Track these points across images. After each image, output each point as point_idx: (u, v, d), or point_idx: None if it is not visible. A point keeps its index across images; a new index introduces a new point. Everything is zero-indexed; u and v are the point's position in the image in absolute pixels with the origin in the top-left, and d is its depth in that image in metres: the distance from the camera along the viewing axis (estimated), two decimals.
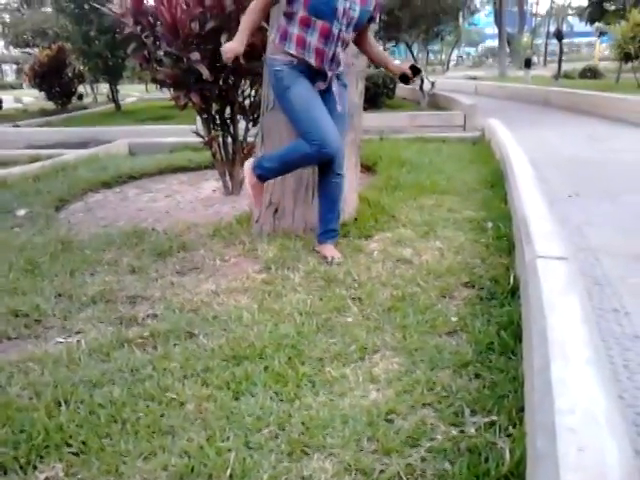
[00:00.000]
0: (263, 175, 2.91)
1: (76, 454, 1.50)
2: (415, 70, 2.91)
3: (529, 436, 1.42)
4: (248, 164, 2.99)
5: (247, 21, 2.74)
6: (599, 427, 1.23)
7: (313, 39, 2.67)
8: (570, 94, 12.32)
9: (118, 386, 1.80)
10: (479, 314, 2.22)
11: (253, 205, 3.13)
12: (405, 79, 2.96)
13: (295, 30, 2.69)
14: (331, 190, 2.90)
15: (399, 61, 3.46)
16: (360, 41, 2.97)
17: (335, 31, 2.67)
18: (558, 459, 1.12)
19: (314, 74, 2.76)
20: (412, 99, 14.10)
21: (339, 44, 2.73)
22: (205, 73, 4.07)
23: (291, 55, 2.72)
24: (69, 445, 1.53)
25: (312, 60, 2.69)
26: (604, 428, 1.23)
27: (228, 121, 4.53)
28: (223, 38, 3.88)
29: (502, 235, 3.10)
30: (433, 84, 13.03)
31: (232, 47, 2.68)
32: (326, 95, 2.81)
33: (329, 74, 2.76)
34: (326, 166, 2.82)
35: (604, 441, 1.19)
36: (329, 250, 2.88)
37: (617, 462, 1.13)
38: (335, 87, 2.83)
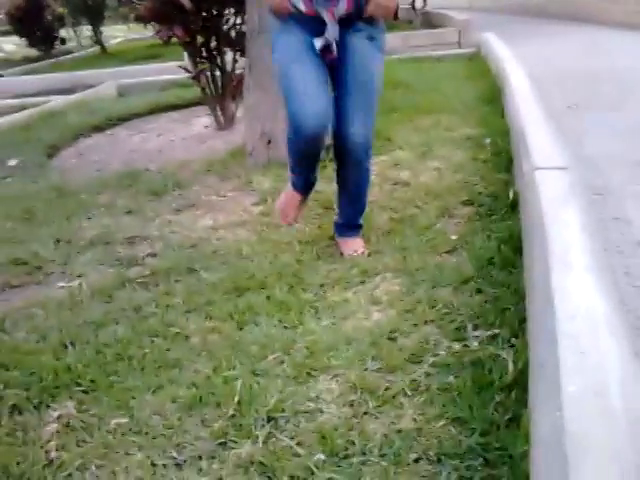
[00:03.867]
0: (292, 182, 2.20)
1: (86, 392, 1.54)
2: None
3: (531, 346, 1.43)
4: None
5: None
6: (599, 331, 1.23)
7: None
8: (567, 1, 11.84)
9: (122, 325, 1.82)
10: (479, 231, 2.21)
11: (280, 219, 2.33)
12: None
13: None
14: (351, 183, 2.18)
15: None
16: None
17: None
18: (559, 364, 1.13)
19: (317, 24, 1.95)
20: (404, 19, 13.60)
21: None
22: (186, 4, 3.92)
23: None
24: (78, 384, 1.56)
25: (300, 4, 1.94)
26: (604, 332, 1.23)
27: (215, 53, 4.38)
28: None
29: (501, 151, 3.05)
30: (425, 1, 12.55)
31: None
32: (341, 54, 2.00)
33: (327, 17, 1.92)
34: (340, 152, 2.10)
35: (604, 344, 1.19)
36: (350, 244, 2.19)
37: (617, 364, 1.14)
38: (353, 40, 1.98)
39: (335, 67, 2.01)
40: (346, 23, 1.97)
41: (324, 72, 1.99)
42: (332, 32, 1.95)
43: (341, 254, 2.16)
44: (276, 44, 2.05)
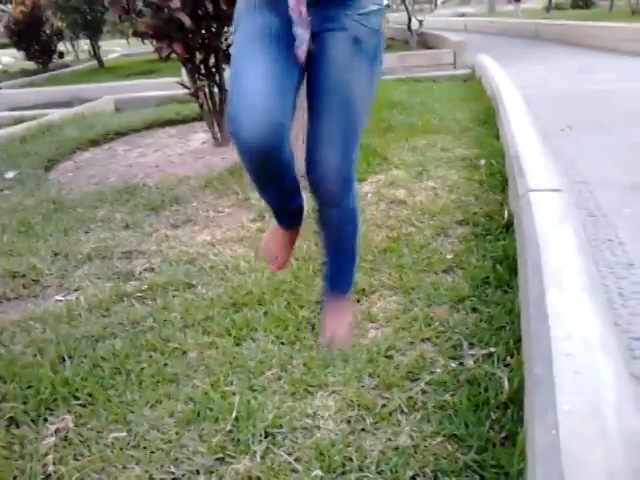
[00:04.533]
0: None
1: (84, 405, 1.54)
2: None
3: (526, 364, 1.44)
4: None
5: None
6: (594, 351, 1.26)
7: None
8: (560, 26, 12.05)
9: (120, 339, 1.82)
10: (474, 250, 2.24)
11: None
12: None
13: None
14: (330, 227, 1.69)
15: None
16: None
17: None
18: (554, 383, 1.15)
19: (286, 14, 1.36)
20: (400, 39, 13.77)
21: None
22: (186, 21, 3.96)
23: None
24: (76, 398, 1.56)
25: None
26: (599, 352, 1.26)
27: (213, 70, 4.43)
28: None
29: (495, 172, 3.09)
30: (421, 23, 12.72)
31: None
32: (315, 60, 1.45)
33: (292, 5, 1.33)
34: (313, 187, 1.57)
35: (599, 364, 1.21)
36: (333, 317, 1.76)
37: (613, 384, 1.16)
38: (331, 42, 1.43)
39: (309, 75, 1.49)
40: (323, 10, 1.39)
41: (288, 69, 1.40)
42: (300, 27, 1.35)
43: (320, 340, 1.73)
44: (236, 31, 1.48)
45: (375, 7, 1.45)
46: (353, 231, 1.71)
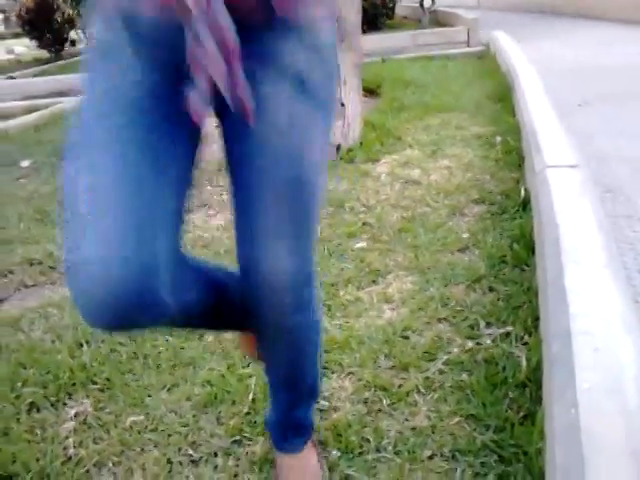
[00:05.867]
0: None
1: (102, 390, 1.55)
2: None
3: (545, 343, 1.43)
4: None
5: None
6: (614, 328, 1.24)
7: None
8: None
9: None
10: (491, 229, 2.21)
11: None
12: None
13: None
14: (280, 351, 1.09)
15: None
16: None
17: None
18: (573, 361, 1.13)
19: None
20: (413, 18, 13.59)
21: None
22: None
23: None
24: (94, 382, 1.57)
25: None
26: (619, 329, 1.24)
27: None
28: None
29: (511, 149, 3.05)
30: (433, 0, 12.53)
31: None
32: (240, 123, 0.88)
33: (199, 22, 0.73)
34: (251, 302, 0.98)
35: (619, 341, 1.19)
36: (294, 471, 1.19)
37: (633, 361, 1.14)
38: (265, 92, 0.86)
39: (229, 145, 0.97)
40: (251, 42, 0.83)
41: (174, 160, 0.89)
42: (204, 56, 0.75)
43: None
44: (84, 92, 0.86)
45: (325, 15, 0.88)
46: (314, 352, 1.14)
